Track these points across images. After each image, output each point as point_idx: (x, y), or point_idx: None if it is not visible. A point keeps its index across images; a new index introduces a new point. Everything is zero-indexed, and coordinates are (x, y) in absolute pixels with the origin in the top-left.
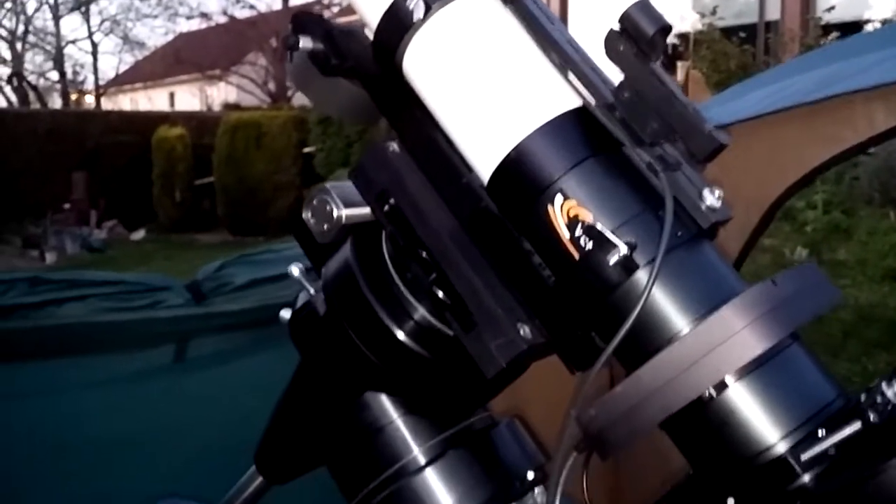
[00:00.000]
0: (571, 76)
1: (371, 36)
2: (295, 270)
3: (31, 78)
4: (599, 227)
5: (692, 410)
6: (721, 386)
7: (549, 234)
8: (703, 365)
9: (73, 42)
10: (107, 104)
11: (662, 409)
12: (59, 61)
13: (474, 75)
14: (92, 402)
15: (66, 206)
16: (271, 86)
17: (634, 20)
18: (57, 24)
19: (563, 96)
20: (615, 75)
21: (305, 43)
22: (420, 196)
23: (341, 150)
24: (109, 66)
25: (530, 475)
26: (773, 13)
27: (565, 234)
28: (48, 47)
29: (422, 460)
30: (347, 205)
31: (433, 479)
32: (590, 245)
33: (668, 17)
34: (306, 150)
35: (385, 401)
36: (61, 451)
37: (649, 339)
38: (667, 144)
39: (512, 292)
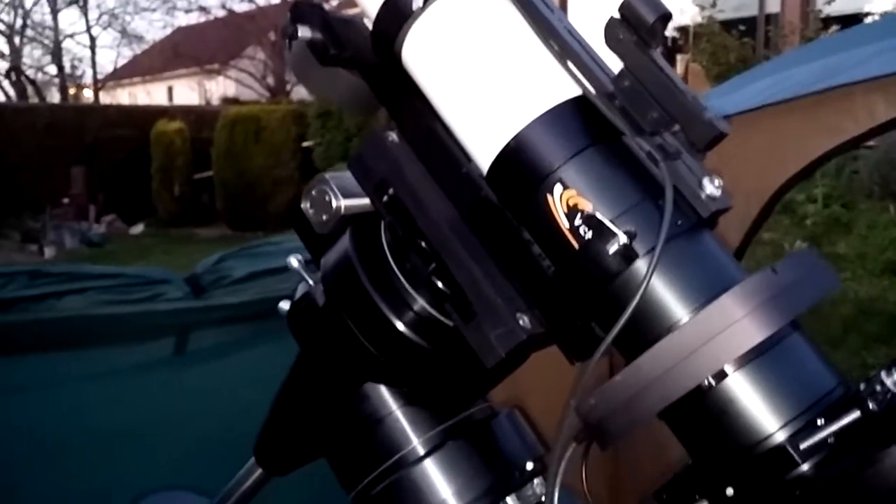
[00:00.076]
0: (571, 65)
1: (370, 25)
2: (294, 261)
3: (30, 72)
4: (599, 216)
5: (691, 399)
6: (720, 375)
7: (549, 223)
8: (702, 354)
9: (72, 36)
10: (105, 98)
11: (662, 398)
12: (57, 55)
13: (473, 64)
14: (92, 395)
15: (65, 200)
16: (270, 80)
17: (634, 8)
18: (55, 18)
19: (563, 85)
20: (615, 64)
21: (304, 32)
22: (419, 186)
23: (340, 144)
24: (108, 60)
25: (529, 466)
26: (773, 6)
27: (565, 223)
28: (46, 41)
29: (421, 451)
30: (346, 195)
31: (432, 470)
32: (589, 234)
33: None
34: (305, 144)
35: (384, 392)
36: (61, 444)
37: (649, 328)
38: (667, 133)
39: (511, 282)
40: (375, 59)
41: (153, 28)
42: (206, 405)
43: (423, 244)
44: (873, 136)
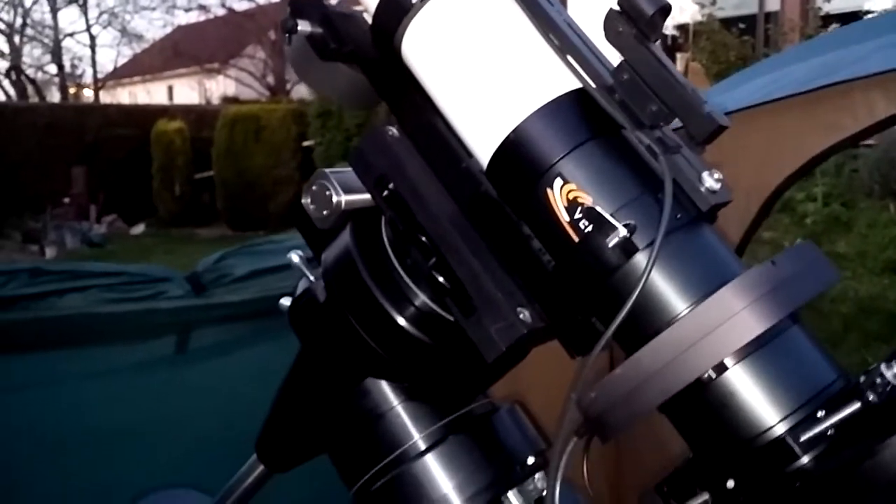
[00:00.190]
0: (570, 58)
1: (370, 20)
2: (295, 257)
3: (30, 71)
4: (599, 209)
5: (692, 392)
6: (720, 368)
7: (549, 217)
8: (702, 346)
9: (71, 35)
10: (105, 97)
11: (662, 391)
12: (57, 54)
13: (473, 58)
14: (92, 394)
15: (66, 200)
16: (270, 79)
17: (633, 1)
18: (55, 17)
19: (562, 78)
20: (614, 57)
21: (304, 27)
22: (419, 180)
23: (341, 144)
24: (108, 59)
25: (531, 460)
26: (772, 4)
27: (564, 216)
28: (46, 40)
29: (422, 446)
30: (347, 191)
31: (433, 465)
32: (589, 228)
33: None
34: (305, 143)
35: (385, 387)
36: (62, 443)
37: (649, 321)
38: (666, 127)
39: (512, 277)
40: (375, 54)
41: (153, 27)
42: (207, 403)
43: (424, 239)
44: (873, 133)
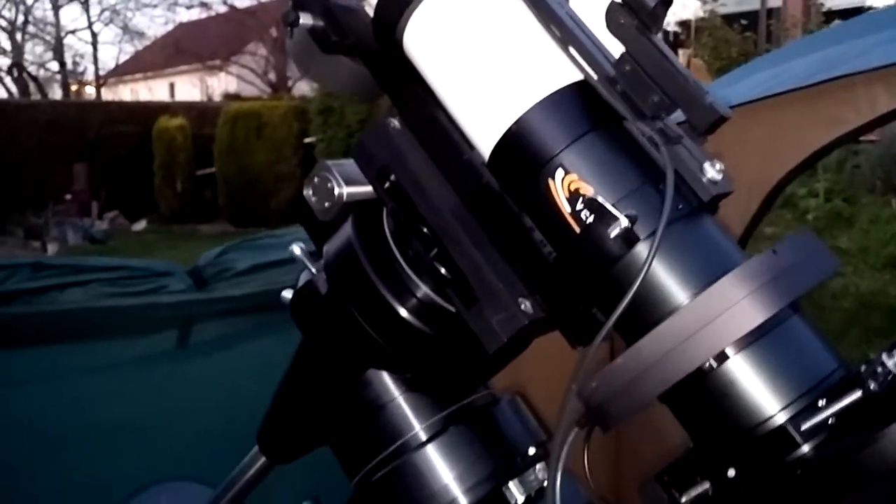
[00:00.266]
0: (572, 50)
1: (371, 12)
2: (296, 249)
3: (32, 69)
4: (600, 199)
5: (693, 382)
6: (721, 357)
7: (550, 208)
8: (703, 336)
9: (73, 32)
10: (107, 95)
11: (663, 380)
12: (59, 52)
13: (474, 50)
14: (94, 388)
15: (68, 196)
16: (272, 76)
17: None
18: (56, 14)
19: (564, 70)
20: (616, 48)
21: (305, 19)
22: (421, 172)
23: (342, 140)
24: (109, 57)
25: (532, 451)
26: (774, 0)
27: (566, 207)
28: (48, 37)
29: (423, 437)
30: (348, 182)
31: (434, 456)
32: (591, 218)
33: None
34: (307, 140)
35: (386, 378)
36: (63, 437)
37: (650, 312)
38: (668, 118)
39: (513, 268)
40: (377, 47)
41: (154, 24)
42: (208, 397)
43: (425, 230)
44: (874, 128)
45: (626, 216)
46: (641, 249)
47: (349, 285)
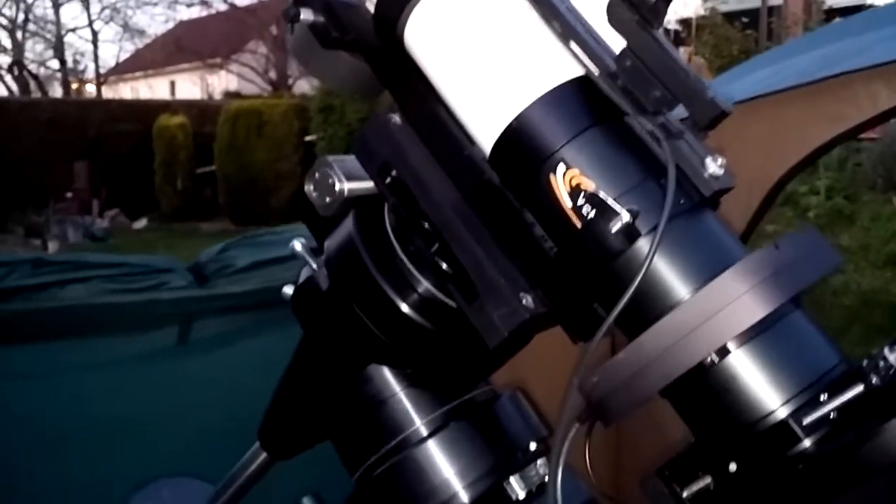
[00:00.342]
0: (573, 45)
1: (372, 9)
2: (297, 245)
3: (32, 67)
4: (602, 194)
5: (694, 376)
6: (723, 352)
7: (552, 203)
8: (704, 330)
9: (74, 30)
10: (107, 93)
11: (664, 375)
12: (59, 50)
13: (475, 46)
14: (94, 384)
15: (68, 195)
16: (272, 74)
17: None
18: (57, 13)
19: (565, 65)
20: (617, 44)
21: (306, 15)
22: (422, 168)
23: (342, 139)
24: (110, 55)
25: (533, 446)
26: None
27: (567, 202)
28: (48, 36)
29: (424, 432)
30: (349, 178)
31: (435, 451)
32: (592, 213)
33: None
34: (308, 138)
35: (387, 374)
36: (63, 434)
37: (651, 307)
38: (669, 113)
39: (514, 263)
40: (378, 42)
41: (155, 22)
42: (209, 394)
43: (426, 225)
44: (875, 125)
45: (628, 211)
46: (643, 244)
47: (350, 281)
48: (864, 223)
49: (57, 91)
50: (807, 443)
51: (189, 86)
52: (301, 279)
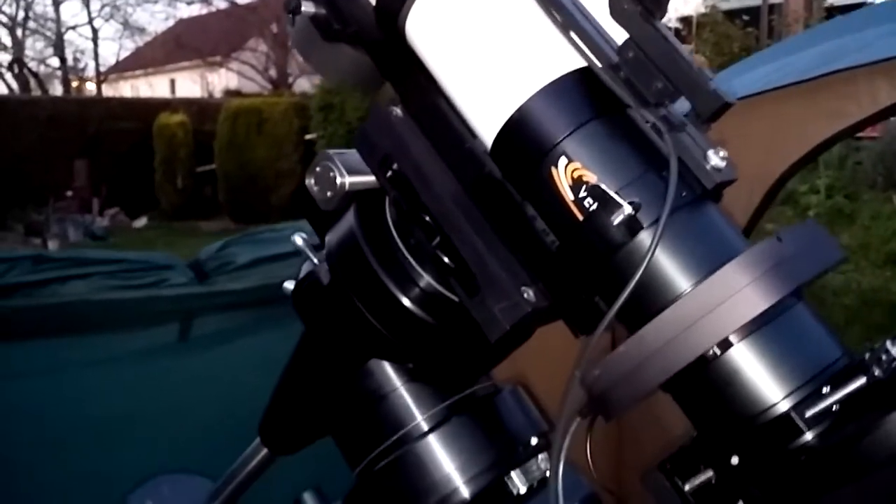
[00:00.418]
0: (574, 36)
1: (373, 1)
2: (298, 240)
3: (32, 64)
4: (604, 186)
5: (696, 369)
6: (725, 344)
7: (553, 196)
8: (706, 323)
9: (74, 28)
10: (107, 91)
11: (666, 367)
12: (59, 47)
13: (476, 38)
14: (94, 381)
15: (69, 193)
16: (272, 72)
17: None
18: (57, 10)
19: (567, 57)
20: (619, 35)
21: (307, 7)
22: (423, 161)
23: (343, 137)
24: (110, 53)
25: (534, 441)
26: None
27: (569, 195)
28: (48, 33)
29: (425, 427)
30: (351, 172)
31: (436, 446)
32: (594, 206)
33: (671, 0)
34: (308, 136)
35: (388, 368)
36: (63, 430)
37: (653, 300)
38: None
39: (516, 257)
40: (379, 35)
41: (155, 20)
42: (209, 391)
43: (428, 219)
44: (876, 121)
45: (630, 203)
46: (644, 237)
47: (352, 275)
48: (864, 222)
49: (57, 89)
50: (809, 435)
51: (189, 84)
52: (302, 274)
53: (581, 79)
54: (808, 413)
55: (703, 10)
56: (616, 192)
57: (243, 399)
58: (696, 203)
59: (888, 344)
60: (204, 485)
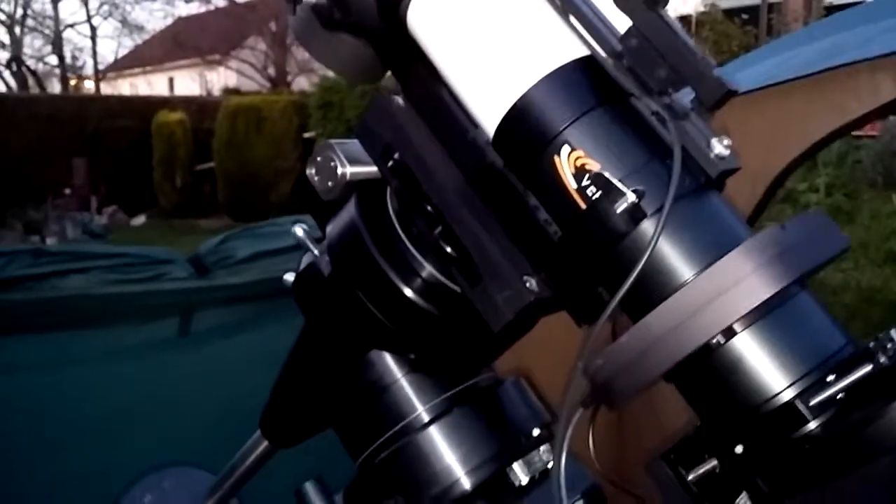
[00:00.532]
0: (577, 24)
1: None
2: (299, 231)
3: (30, 62)
4: (607, 175)
5: (700, 358)
6: (729, 333)
7: (556, 185)
8: (710, 311)
9: (72, 26)
10: (106, 89)
11: (670, 356)
12: (58, 45)
13: (478, 27)
14: (94, 375)
15: (67, 191)
16: (271, 70)
17: None
18: (55, 8)
19: (569, 45)
20: (623, 23)
21: None
22: (425, 150)
23: (342, 135)
24: (108, 51)
25: (536, 432)
26: None
27: (572, 184)
28: (47, 31)
29: (426, 418)
30: (352, 162)
31: (438, 436)
32: (597, 194)
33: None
34: (307, 134)
35: (389, 359)
36: (64, 424)
37: (656, 289)
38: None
39: (518, 246)
40: (381, 24)
41: (154, 18)
42: (209, 385)
43: (429, 208)
44: (878, 117)
45: (633, 192)
46: (648, 226)
47: (353, 265)
48: (863, 221)
49: (55, 87)
50: (814, 424)
51: (188, 82)
52: (302, 266)
53: (584, 67)
54: (813, 401)
55: (702, 8)
56: (619, 181)
57: (243, 393)
58: (700, 191)
59: (893, 332)
60: (204, 478)
